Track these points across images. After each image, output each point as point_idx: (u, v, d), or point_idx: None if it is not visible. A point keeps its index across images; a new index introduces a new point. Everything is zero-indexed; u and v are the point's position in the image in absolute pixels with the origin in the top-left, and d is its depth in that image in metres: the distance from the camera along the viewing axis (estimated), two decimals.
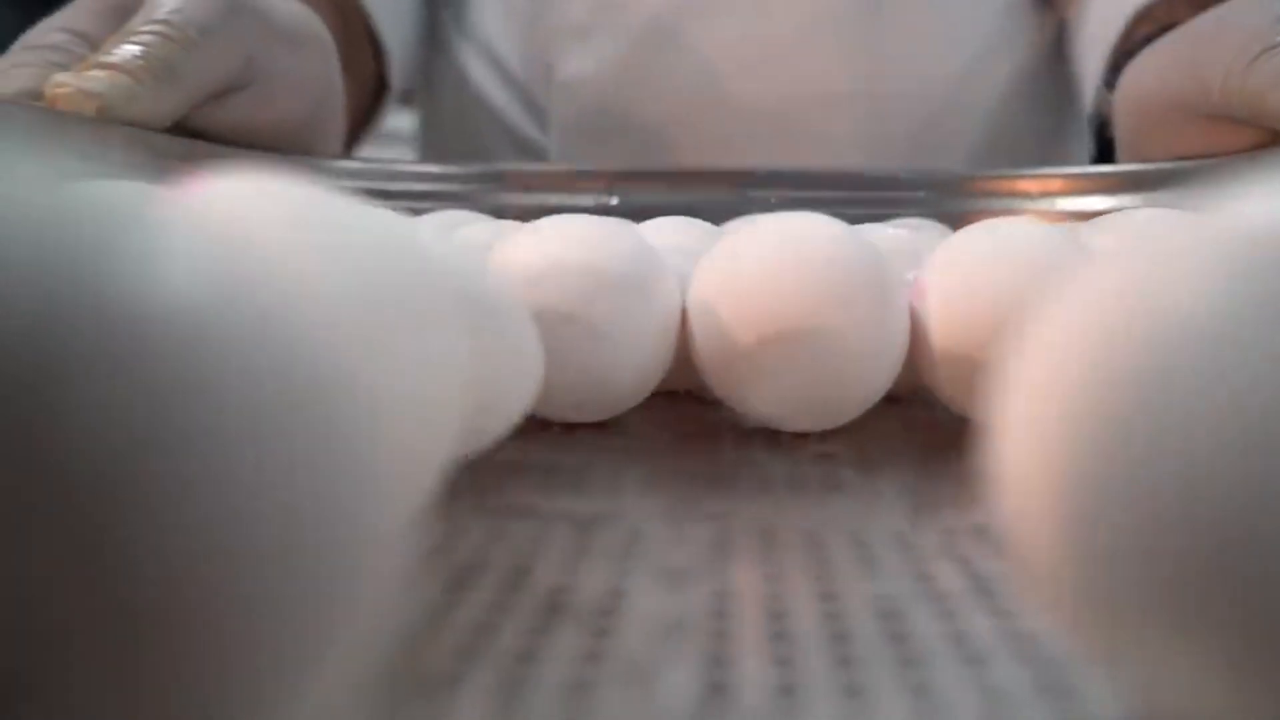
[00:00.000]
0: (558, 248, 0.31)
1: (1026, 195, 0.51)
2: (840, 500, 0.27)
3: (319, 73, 0.54)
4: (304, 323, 0.12)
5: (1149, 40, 0.53)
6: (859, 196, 0.51)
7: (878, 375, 0.31)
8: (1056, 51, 0.69)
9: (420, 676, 0.17)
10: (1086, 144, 0.70)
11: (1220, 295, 0.13)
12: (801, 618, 0.20)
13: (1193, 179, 0.48)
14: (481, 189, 0.53)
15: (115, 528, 0.10)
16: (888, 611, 0.20)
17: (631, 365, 0.31)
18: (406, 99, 0.73)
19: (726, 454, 0.31)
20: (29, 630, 0.10)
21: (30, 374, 0.10)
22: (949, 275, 0.31)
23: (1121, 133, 0.55)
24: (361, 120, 0.63)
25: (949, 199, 0.51)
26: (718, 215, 0.44)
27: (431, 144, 0.76)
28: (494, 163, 0.68)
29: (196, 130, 0.48)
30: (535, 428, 0.31)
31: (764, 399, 0.31)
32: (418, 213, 0.45)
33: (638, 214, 0.43)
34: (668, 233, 0.40)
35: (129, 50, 0.44)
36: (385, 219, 0.21)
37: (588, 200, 0.51)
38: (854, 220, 0.36)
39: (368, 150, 0.66)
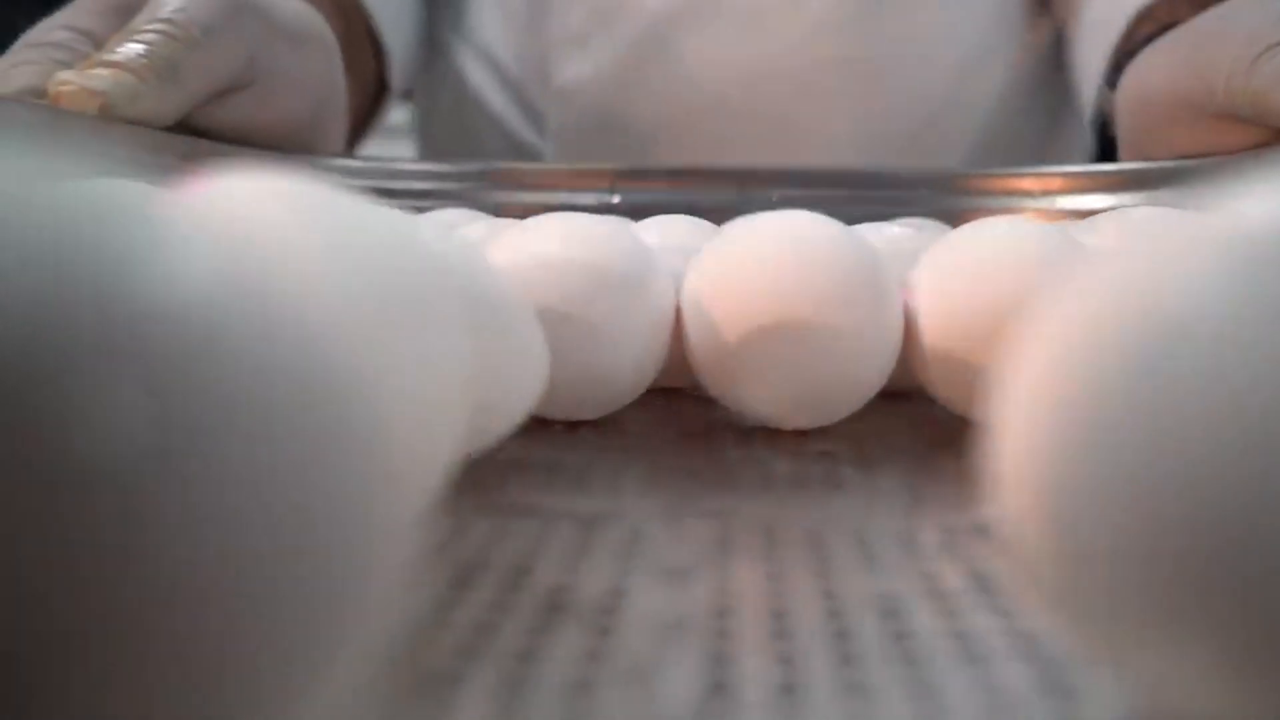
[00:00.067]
0: (551, 246, 0.31)
1: (1027, 194, 0.51)
2: (841, 499, 0.27)
3: (321, 72, 0.54)
4: (308, 322, 0.12)
5: (1150, 39, 0.53)
6: (860, 195, 0.51)
7: (871, 373, 0.31)
8: (1052, 55, 0.69)
9: (422, 674, 0.17)
10: (1083, 146, 0.70)
11: (1220, 295, 0.13)
12: (802, 616, 0.20)
13: (1194, 178, 0.48)
14: (483, 187, 0.53)
15: (120, 527, 0.10)
16: (889, 610, 0.20)
17: (625, 363, 0.31)
18: (405, 97, 0.73)
19: (728, 452, 0.31)
20: (32, 630, 0.10)
21: (33, 373, 0.10)
22: (942, 274, 0.31)
23: (1123, 131, 0.55)
24: (362, 120, 0.63)
25: (950, 198, 0.51)
26: (719, 214, 0.44)
27: (428, 145, 0.77)
28: (495, 161, 0.68)
29: (199, 129, 0.48)
30: (537, 426, 0.31)
31: (757, 396, 0.31)
32: (419, 211, 0.45)
33: (639, 212, 0.43)
34: (664, 231, 0.40)
35: (132, 49, 0.44)
36: (388, 217, 0.21)
37: (589, 199, 0.51)
38: (855, 219, 0.36)
39: (370, 145, 0.66)
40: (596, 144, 0.67)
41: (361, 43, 0.61)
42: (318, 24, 0.54)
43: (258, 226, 0.17)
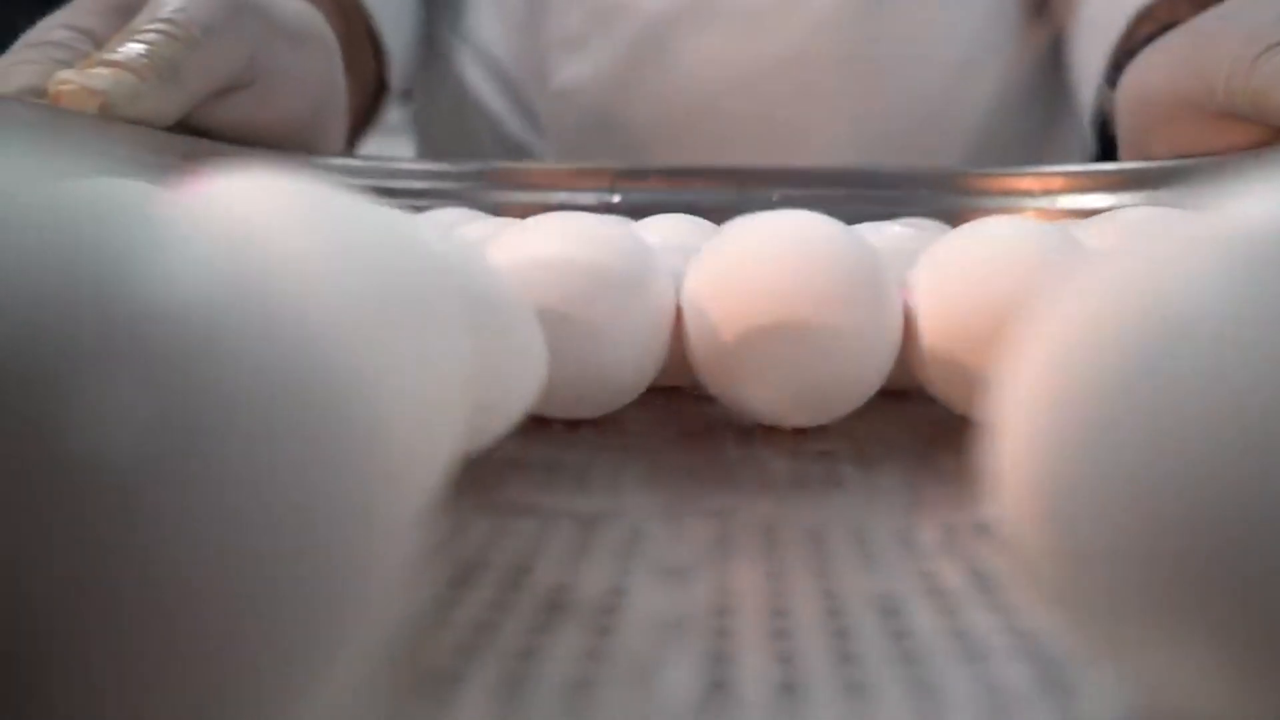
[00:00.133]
0: (551, 245, 0.31)
1: (1028, 193, 0.51)
2: (841, 497, 0.28)
3: (322, 71, 0.54)
4: (308, 321, 0.12)
5: (1151, 39, 0.53)
6: (860, 195, 0.51)
7: (870, 372, 0.31)
8: (1049, 57, 0.70)
9: (422, 674, 0.17)
10: (1080, 148, 0.70)
11: (1220, 295, 0.13)
12: (802, 615, 0.20)
13: (1194, 177, 0.48)
14: (482, 187, 0.53)
15: (119, 526, 0.10)
16: (888, 608, 0.20)
17: (625, 362, 0.31)
18: (404, 99, 0.73)
19: (728, 451, 0.31)
20: (31, 629, 0.10)
21: (32, 373, 0.10)
22: (941, 273, 0.31)
23: (1124, 131, 0.55)
24: (362, 119, 0.63)
25: (949, 197, 0.51)
26: (719, 213, 0.44)
27: (426, 145, 0.77)
28: (495, 160, 0.68)
29: (199, 128, 0.48)
30: (537, 425, 0.31)
31: (756, 395, 0.31)
32: (418, 210, 0.45)
33: (639, 212, 0.43)
34: (664, 230, 0.40)
35: (133, 48, 0.44)
36: (388, 216, 0.21)
37: (589, 198, 0.51)
38: (855, 219, 0.36)
39: (369, 144, 0.66)
40: (594, 145, 0.67)
41: (361, 42, 0.61)
42: (318, 23, 0.54)
43: (258, 226, 0.17)
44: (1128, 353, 0.13)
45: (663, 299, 0.32)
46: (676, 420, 0.35)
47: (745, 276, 0.31)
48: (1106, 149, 0.59)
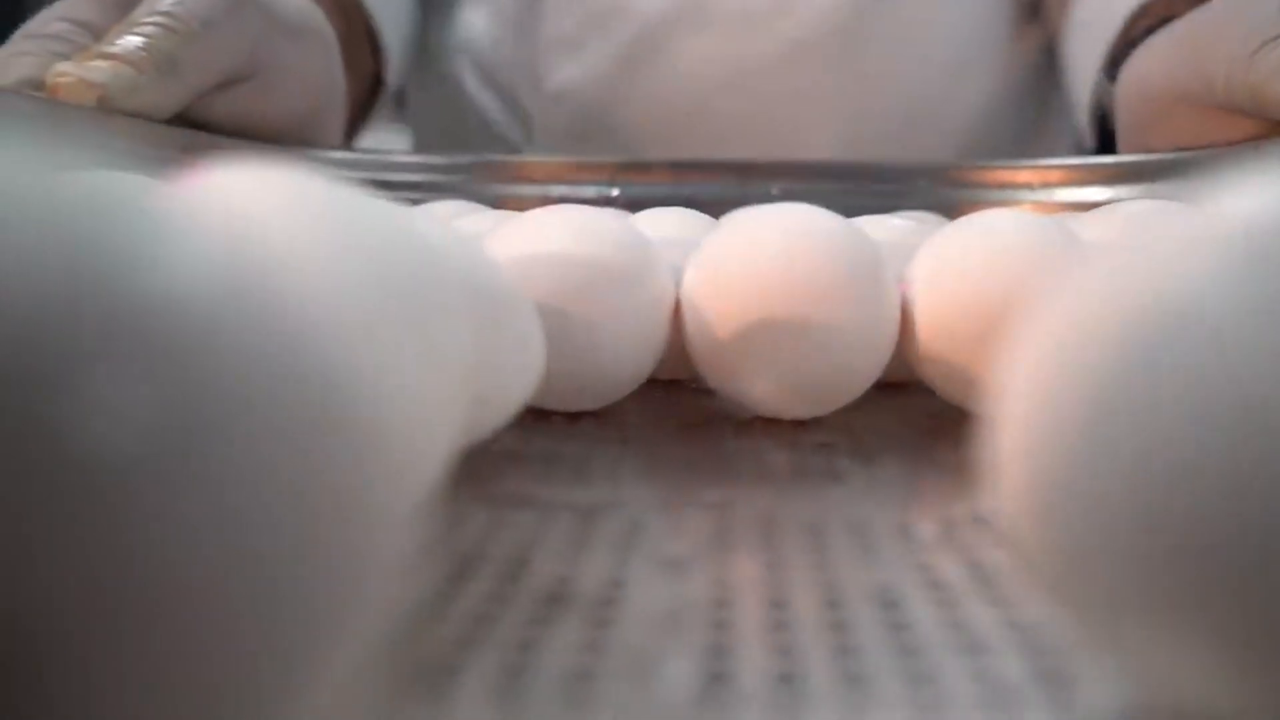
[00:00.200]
0: (550, 239, 0.31)
1: (1026, 186, 0.51)
2: (840, 490, 0.28)
3: (321, 66, 0.54)
4: (307, 315, 0.12)
5: (1148, 34, 0.53)
6: (859, 188, 0.51)
7: (868, 364, 0.31)
8: (1041, 59, 0.70)
9: (421, 666, 0.17)
10: (1071, 150, 0.70)
11: (1218, 289, 0.13)
12: (801, 607, 0.20)
13: (1193, 170, 0.48)
14: (481, 180, 0.53)
15: (121, 521, 0.10)
16: (887, 601, 0.20)
17: (625, 355, 0.31)
18: (399, 101, 0.73)
19: (726, 444, 0.32)
20: (32, 627, 0.10)
21: (30, 368, 0.10)
22: (940, 266, 0.31)
23: (1123, 125, 0.55)
24: (359, 115, 0.63)
25: (948, 190, 0.51)
26: (718, 207, 0.44)
27: (420, 144, 0.77)
28: (499, 150, 0.68)
29: (198, 121, 0.48)
30: (536, 417, 0.31)
31: (755, 387, 0.31)
32: (416, 204, 0.45)
33: (638, 205, 0.43)
34: (663, 224, 0.40)
35: (132, 41, 0.44)
36: (387, 210, 0.21)
37: (589, 191, 0.51)
38: (854, 212, 0.36)
39: (367, 138, 0.66)
40: (587, 147, 0.67)
41: (360, 40, 0.61)
42: (317, 19, 0.55)
43: (256, 219, 0.17)
44: (1126, 346, 0.13)
45: (662, 292, 0.32)
46: (675, 413, 0.35)
47: (744, 270, 0.31)
48: (1105, 144, 0.59)
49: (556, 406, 0.32)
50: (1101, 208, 0.41)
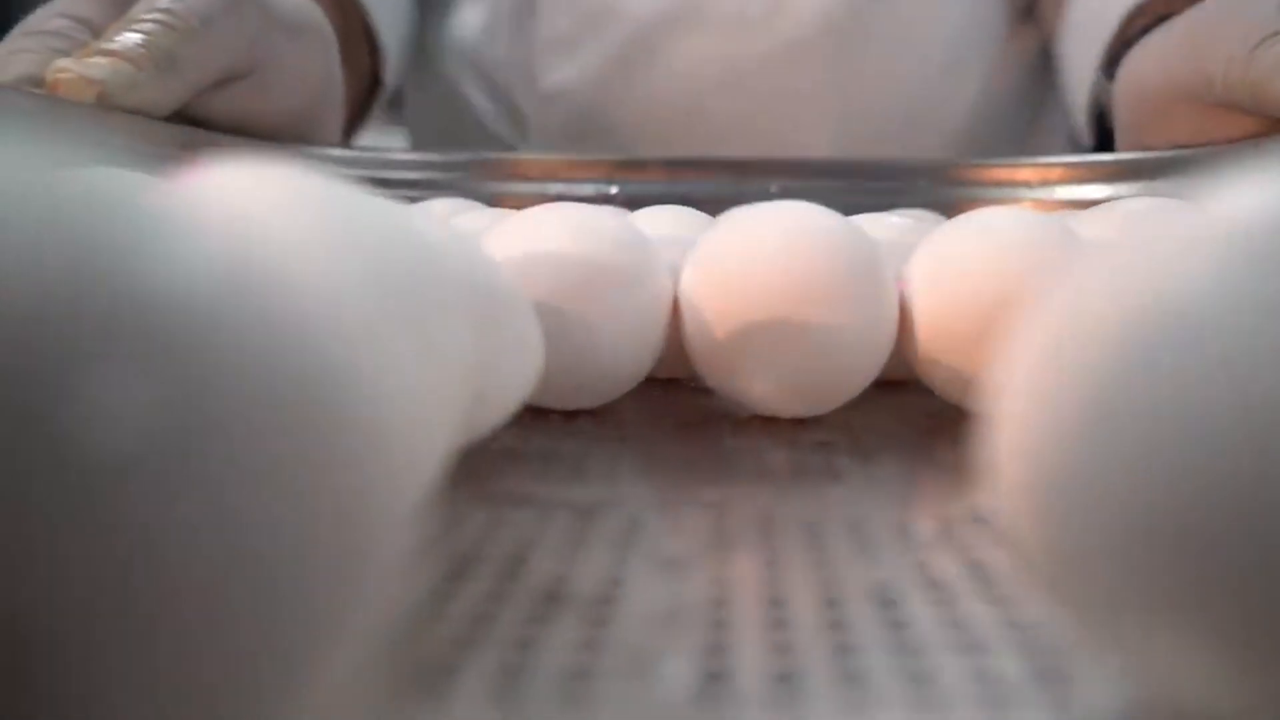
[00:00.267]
0: (548, 236, 0.31)
1: (1025, 184, 0.51)
2: (838, 489, 0.28)
3: (319, 63, 0.54)
4: (307, 312, 0.12)
5: (1145, 32, 0.53)
6: (858, 186, 0.51)
7: (866, 363, 0.31)
8: (1035, 61, 0.70)
9: (419, 665, 0.17)
10: (1064, 151, 0.70)
11: (1217, 288, 0.13)
12: (799, 605, 0.20)
13: (1192, 167, 0.48)
14: (479, 178, 0.53)
15: (120, 520, 0.10)
16: (885, 599, 0.20)
17: (623, 353, 0.31)
18: (394, 104, 0.73)
19: (725, 443, 0.31)
20: (32, 627, 0.10)
21: (30, 365, 0.10)
22: (938, 264, 0.31)
23: (1122, 123, 0.55)
24: (357, 114, 0.63)
25: (947, 188, 0.51)
26: (717, 204, 0.44)
27: (417, 143, 0.77)
28: (495, 150, 0.68)
29: (196, 118, 0.48)
30: (534, 416, 0.31)
31: (753, 386, 0.31)
32: (413, 201, 0.45)
33: (636, 203, 0.43)
34: (661, 222, 0.40)
35: (131, 38, 0.44)
36: (386, 208, 0.21)
37: (587, 189, 0.51)
38: (853, 210, 0.36)
39: (365, 135, 0.66)
40: (581, 147, 0.67)
41: (358, 38, 0.61)
42: (316, 16, 0.55)
43: (255, 217, 0.17)
44: (1125, 344, 0.13)
45: (660, 290, 0.32)
46: (673, 411, 0.35)
47: (742, 268, 0.31)
48: (1103, 143, 0.59)
49: (554, 405, 0.32)
50: (1100, 205, 0.41)
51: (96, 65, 0.43)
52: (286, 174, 0.19)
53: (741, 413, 0.33)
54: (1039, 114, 0.71)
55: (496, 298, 0.25)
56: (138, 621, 0.10)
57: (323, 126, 0.56)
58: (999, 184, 0.51)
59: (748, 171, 0.52)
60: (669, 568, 0.22)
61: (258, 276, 0.11)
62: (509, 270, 0.29)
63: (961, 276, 0.31)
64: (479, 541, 0.23)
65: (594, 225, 0.31)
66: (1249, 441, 0.12)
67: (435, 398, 0.20)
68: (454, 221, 0.40)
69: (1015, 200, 0.49)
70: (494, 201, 0.48)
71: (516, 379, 0.26)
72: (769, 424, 0.32)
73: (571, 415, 0.33)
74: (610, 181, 0.52)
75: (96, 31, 0.46)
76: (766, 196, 0.35)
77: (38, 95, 0.43)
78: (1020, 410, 0.14)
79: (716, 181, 0.51)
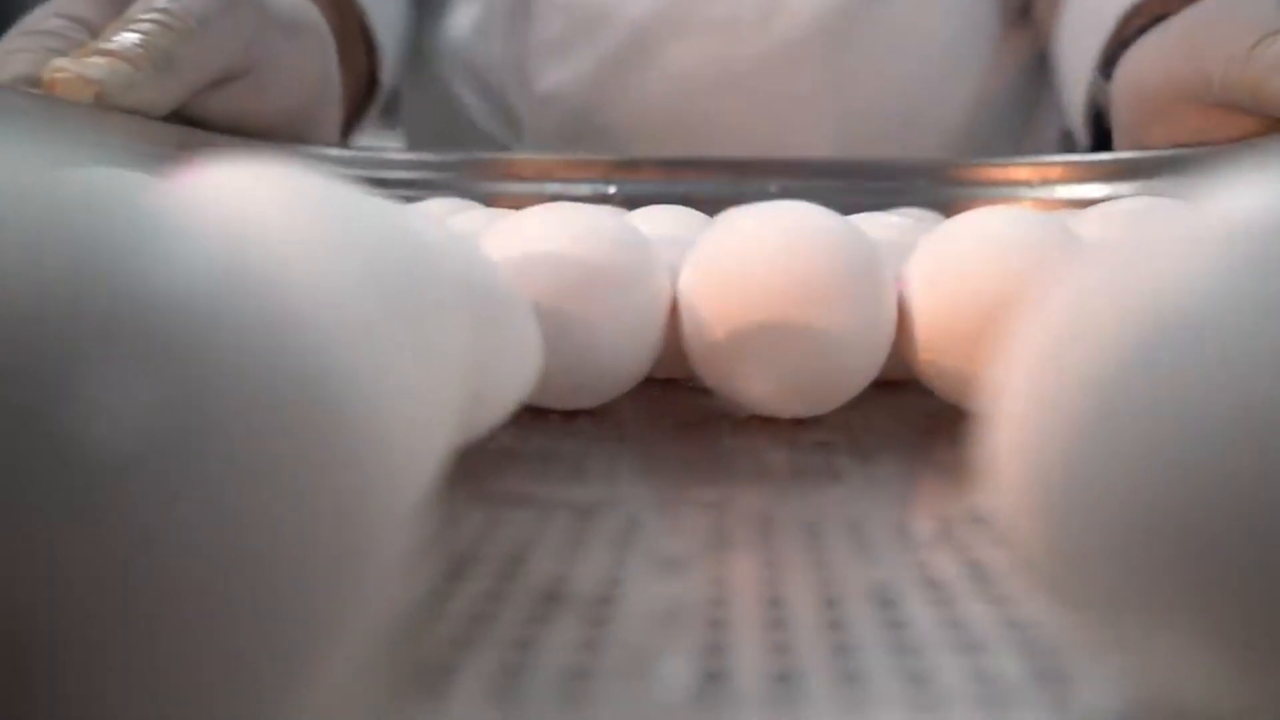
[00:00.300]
0: (546, 236, 0.31)
1: (1024, 183, 0.51)
2: (837, 488, 0.28)
3: (316, 63, 0.54)
4: (306, 312, 0.12)
5: (1143, 32, 0.53)
6: (856, 186, 0.51)
7: (865, 363, 0.31)
8: (1030, 62, 0.70)
9: (418, 665, 0.17)
10: (1059, 151, 0.71)
11: (1216, 288, 0.13)
12: (798, 605, 0.20)
13: (1191, 166, 0.48)
14: (475, 178, 0.53)
15: (119, 520, 0.10)
16: (884, 599, 0.20)
17: (621, 353, 0.31)
18: (389, 108, 0.73)
19: (723, 443, 0.31)
20: (32, 626, 0.10)
21: (28, 364, 0.10)
22: (936, 264, 0.31)
23: (1120, 123, 0.55)
24: (354, 114, 0.63)
25: (946, 188, 0.51)
26: (715, 205, 0.44)
27: (413, 144, 0.77)
28: (490, 151, 0.68)
29: (194, 118, 0.48)
30: (533, 416, 0.31)
31: (752, 386, 0.31)
32: (410, 201, 0.45)
33: (633, 203, 0.43)
34: (659, 222, 0.40)
35: (128, 37, 0.44)
36: (384, 207, 0.21)
37: (585, 189, 0.51)
38: (851, 210, 0.36)
39: (362, 135, 0.66)
40: (576, 150, 0.67)
41: (355, 39, 0.61)
42: (313, 16, 0.55)
43: (253, 216, 0.17)
44: (1124, 344, 0.13)
45: (658, 290, 0.32)
46: (672, 411, 0.35)
47: (740, 268, 0.31)
48: (1100, 143, 0.59)
49: (553, 405, 0.32)
50: (1099, 205, 0.41)
51: (94, 65, 0.43)
52: (284, 174, 0.19)
53: (740, 413, 0.33)
54: (1035, 114, 0.71)
55: (494, 298, 0.25)
56: (138, 621, 0.10)
57: (320, 126, 0.56)
58: (998, 183, 0.51)
59: (746, 171, 0.52)
60: (668, 568, 0.22)
61: (256, 276, 0.11)
62: (508, 270, 0.29)
63: (961, 276, 0.31)
64: (478, 541, 0.23)
65: (593, 225, 0.31)
66: (1249, 441, 0.12)
67: (433, 397, 0.20)
68: (451, 221, 0.40)
69: (1014, 200, 0.49)
70: (491, 202, 0.48)
71: (515, 379, 0.26)
72: (768, 424, 0.32)
73: (570, 415, 0.33)
74: (608, 181, 0.52)
75: (94, 31, 0.46)
76: (765, 196, 0.35)
77: (35, 95, 0.43)
78: (1020, 410, 0.14)
79: (715, 181, 0.51)
